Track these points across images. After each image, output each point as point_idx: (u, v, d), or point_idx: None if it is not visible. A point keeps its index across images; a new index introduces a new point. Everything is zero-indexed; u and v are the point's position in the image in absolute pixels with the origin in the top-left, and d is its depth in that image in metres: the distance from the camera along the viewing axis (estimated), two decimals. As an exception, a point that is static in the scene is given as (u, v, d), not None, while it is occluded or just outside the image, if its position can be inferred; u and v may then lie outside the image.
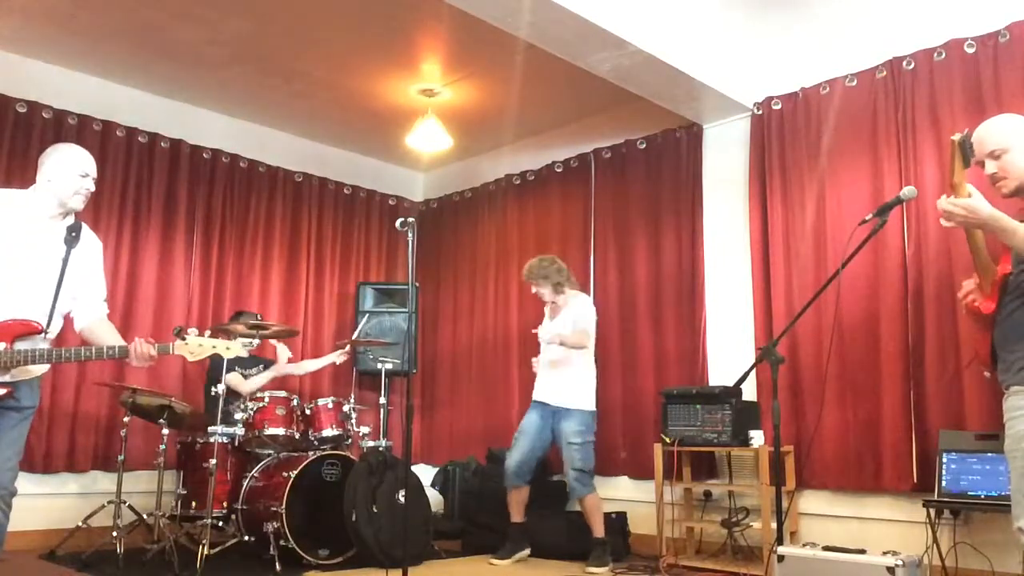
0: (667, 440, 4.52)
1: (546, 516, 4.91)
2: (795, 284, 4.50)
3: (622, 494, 5.16)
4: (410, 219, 3.58)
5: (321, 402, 4.73)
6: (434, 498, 5.25)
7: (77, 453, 5.00)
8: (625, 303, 5.38)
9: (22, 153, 4.91)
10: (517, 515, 4.69)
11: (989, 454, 3.52)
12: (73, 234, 2.85)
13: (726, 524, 4.43)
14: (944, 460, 3.67)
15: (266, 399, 4.55)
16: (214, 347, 2.95)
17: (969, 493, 3.55)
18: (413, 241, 3.63)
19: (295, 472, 4.25)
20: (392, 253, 6.91)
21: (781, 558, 3.23)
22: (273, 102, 5.83)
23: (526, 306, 5.83)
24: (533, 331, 4.73)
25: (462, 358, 6.40)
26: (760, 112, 4.83)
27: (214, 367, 4.72)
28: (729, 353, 4.82)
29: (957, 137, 2.23)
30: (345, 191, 6.65)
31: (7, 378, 2.66)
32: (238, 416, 4.46)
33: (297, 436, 4.57)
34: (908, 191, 3.12)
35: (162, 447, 4.46)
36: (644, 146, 5.50)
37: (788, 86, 4.72)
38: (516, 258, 5.98)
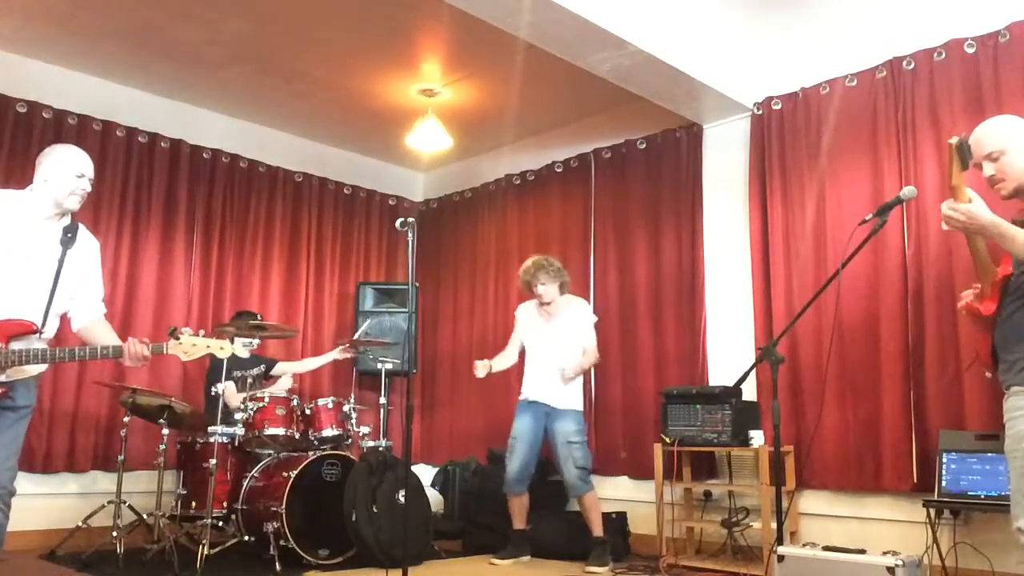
0: (667, 440, 4.53)
1: (546, 516, 4.91)
2: (795, 284, 4.50)
3: (622, 494, 5.16)
4: (410, 219, 3.58)
5: (321, 402, 4.73)
6: (434, 498, 5.25)
7: (77, 453, 5.01)
8: (625, 303, 5.38)
9: (22, 153, 4.91)
10: (519, 522, 4.68)
11: (989, 454, 3.52)
12: (69, 235, 2.85)
13: (726, 524, 4.43)
14: (944, 460, 3.67)
15: (266, 399, 4.54)
16: (208, 347, 2.95)
17: (969, 493, 3.55)
18: (413, 241, 3.63)
19: (295, 472, 4.25)
20: (392, 253, 6.91)
21: (781, 558, 3.23)
22: (273, 102, 5.83)
23: (526, 306, 5.83)
24: (563, 370, 4.57)
25: (462, 358, 6.38)
26: (760, 112, 4.83)
27: (214, 367, 4.72)
28: (729, 353, 4.82)
29: (955, 140, 2.21)
30: (345, 191, 6.65)
31: (3, 378, 2.67)
32: (238, 416, 4.46)
33: (297, 436, 4.57)
34: (908, 191, 3.12)
35: (162, 447, 4.46)
36: (644, 146, 5.49)
37: (788, 86, 4.72)
38: (516, 258, 5.94)
